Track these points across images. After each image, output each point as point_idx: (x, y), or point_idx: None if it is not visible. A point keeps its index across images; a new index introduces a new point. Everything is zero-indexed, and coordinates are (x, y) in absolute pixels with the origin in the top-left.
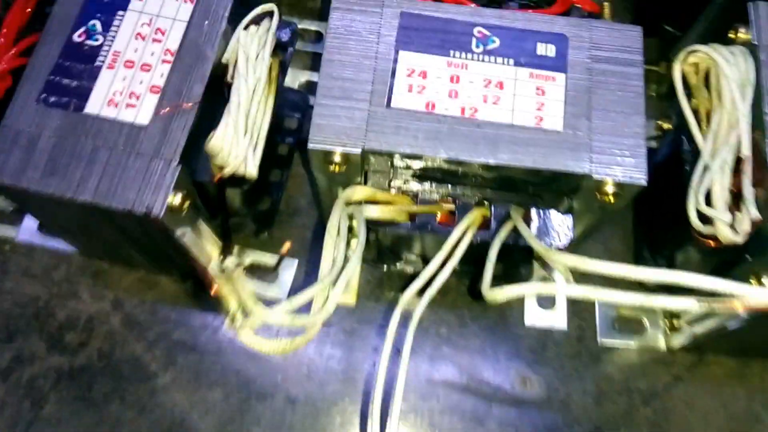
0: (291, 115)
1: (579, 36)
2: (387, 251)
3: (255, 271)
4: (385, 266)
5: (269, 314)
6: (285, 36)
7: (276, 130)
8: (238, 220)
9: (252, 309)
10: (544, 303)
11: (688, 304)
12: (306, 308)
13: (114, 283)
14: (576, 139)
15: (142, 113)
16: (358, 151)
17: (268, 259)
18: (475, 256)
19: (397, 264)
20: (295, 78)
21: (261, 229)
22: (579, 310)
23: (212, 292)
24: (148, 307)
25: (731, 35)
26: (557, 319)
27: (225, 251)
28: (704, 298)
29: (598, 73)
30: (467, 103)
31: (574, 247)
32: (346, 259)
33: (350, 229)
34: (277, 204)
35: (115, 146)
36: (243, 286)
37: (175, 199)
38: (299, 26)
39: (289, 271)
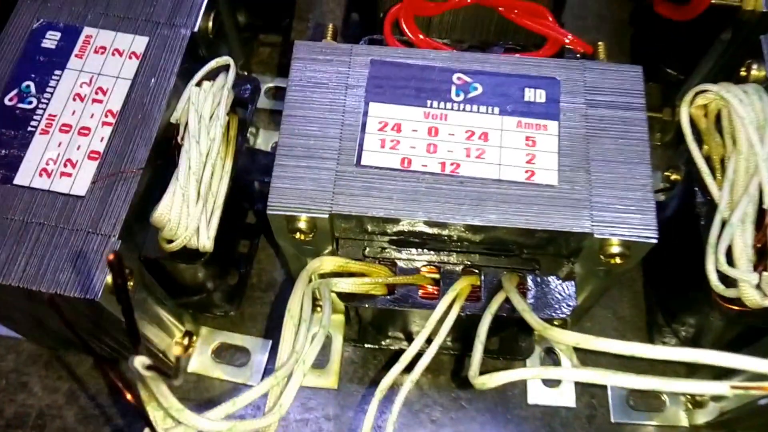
0: (261, 180)
1: (572, 79)
2: (369, 328)
3: (224, 354)
4: (368, 344)
5: (201, 422)
6: (245, 92)
7: (243, 197)
8: (204, 297)
9: (178, 417)
10: (549, 380)
11: (720, 390)
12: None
13: (68, 372)
14: (573, 194)
15: (79, 183)
16: (325, 216)
17: (239, 340)
18: (466, 328)
19: (382, 342)
20: (268, 139)
21: (230, 307)
22: (588, 384)
23: (128, 397)
24: (105, 398)
25: (743, 73)
26: (564, 397)
27: (133, 350)
28: (738, 383)
29: (595, 120)
30: (448, 158)
31: (578, 316)
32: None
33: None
34: (246, 278)
35: (47, 221)
36: (160, 391)
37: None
38: (270, 84)
39: (261, 353)
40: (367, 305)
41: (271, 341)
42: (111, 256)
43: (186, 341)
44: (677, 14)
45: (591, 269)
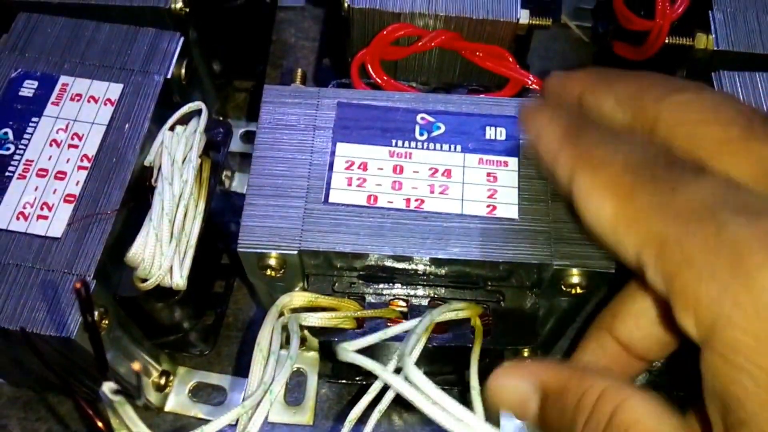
0: (236, 221)
1: None
2: (343, 364)
3: (201, 393)
4: (343, 380)
5: None
6: (218, 135)
7: (218, 238)
8: (180, 337)
9: None
10: None
11: None
12: None
13: (48, 413)
14: (534, 226)
15: (55, 225)
16: (294, 252)
17: (215, 379)
18: (436, 360)
19: (356, 377)
20: (244, 182)
21: (206, 346)
22: None
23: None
24: None
25: None
26: None
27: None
28: None
29: None
30: (412, 194)
31: (546, 347)
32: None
33: (303, 341)
34: (222, 317)
35: (24, 262)
36: (129, 416)
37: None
38: (246, 128)
39: (238, 391)
40: (336, 339)
41: (247, 380)
42: (78, 284)
43: (163, 381)
44: (635, 54)
45: (554, 300)
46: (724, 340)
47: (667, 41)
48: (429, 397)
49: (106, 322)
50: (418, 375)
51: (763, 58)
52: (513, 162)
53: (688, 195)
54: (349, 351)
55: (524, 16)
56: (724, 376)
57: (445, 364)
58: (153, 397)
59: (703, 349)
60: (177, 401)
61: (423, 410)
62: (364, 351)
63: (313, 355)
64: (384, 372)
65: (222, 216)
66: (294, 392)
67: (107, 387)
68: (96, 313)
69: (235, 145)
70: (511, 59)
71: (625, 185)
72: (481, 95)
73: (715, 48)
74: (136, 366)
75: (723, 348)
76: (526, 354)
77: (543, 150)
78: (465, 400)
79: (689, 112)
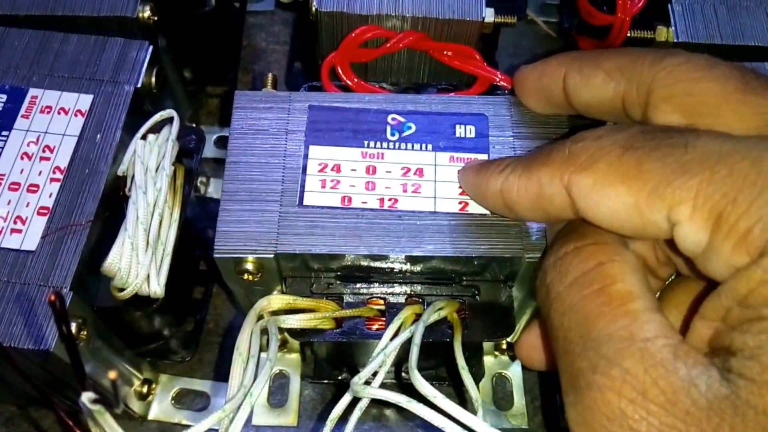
0: (212, 227)
1: (499, 114)
2: (324, 364)
3: (184, 400)
4: (325, 380)
5: None
6: (191, 142)
7: (196, 245)
8: (161, 344)
9: None
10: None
11: None
12: None
13: (31, 427)
14: (504, 221)
15: (29, 238)
16: (270, 256)
17: (198, 385)
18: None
19: (339, 377)
20: (219, 187)
21: (187, 353)
22: None
23: None
24: None
25: None
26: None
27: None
28: None
29: (522, 151)
30: (386, 194)
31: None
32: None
33: (284, 343)
34: (202, 323)
35: None
36: (108, 423)
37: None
38: (220, 134)
39: (221, 396)
40: (316, 340)
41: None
42: (52, 297)
43: (145, 389)
44: (599, 48)
45: (528, 292)
46: None
47: (629, 35)
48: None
49: (85, 333)
50: (429, 389)
51: (722, 48)
52: (483, 158)
53: (703, 146)
54: (366, 387)
55: (489, 15)
56: (758, 282)
57: (425, 359)
58: (136, 406)
59: (742, 271)
60: (160, 409)
61: (440, 426)
62: (343, 349)
63: (295, 356)
64: (410, 403)
65: (198, 222)
66: (277, 394)
67: (86, 397)
68: (74, 325)
69: (209, 151)
70: (478, 57)
71: (630, 164)
72: (450, 94)
73: (676, 40)
74: (112, 374)
75: None
76: (504, 346)
77: (521, 191)
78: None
79: (686, 71)
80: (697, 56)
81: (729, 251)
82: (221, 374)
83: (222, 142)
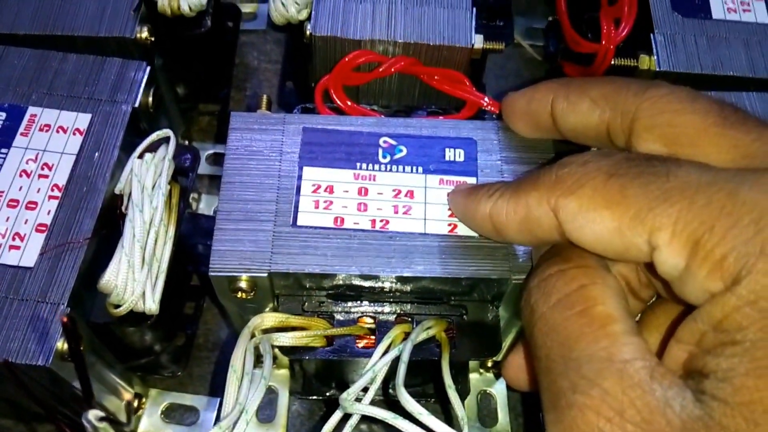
0: (204, 243)
1: (487, 139)
2: (313, 380)
3: (174, 414)
4: (314, 396)
5: None
6: (186, 161)
7: (188, 260)
8: (152, 359)
9: None
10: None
11: None
12: None
13: None
14: (492, 243)
15: (27, 254)
16: (264, 275)
17: (188, 400)
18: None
19: (327, 393)
20: (211, 203)
21: (177, 368)
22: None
23: None
24: None
25: None
26: None
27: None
28: None
29: (510, 174)
30: (377, 215)
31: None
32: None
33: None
34: (193, 338)
35: None
36: None
37: (65, 345)
38: (212, 150)
39: (210, 411)
40: (308, 357)
41: (219, 399)
42: (64, 319)
43: (136, 403)
44: (584, 75)
45: (514, 312)
46: (749, 287)
47: (613, 62)
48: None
49: (81, 348)
50: (415, 406)
51: (702, 77)
52: (472, 182)
53: (684, 176)
54: (355, 404)
55: (478, 41)
56: (731, 308)
57: (413, 376)
58: (126, 420)
59: (717, 297)
60: (150, 423)
61: None
62: (332, 366)
63: (284, 372)
64: (396, 420)
65: (190, 238)
66: (266, 409)
67: (92, 414)
68: None
69: (201, 167)
70: (467, 82)
71: (614, 190)
72: (439, 118)
73: (657, 69)
74: (127, 395)
75: (747, 293)
76: (489, 364)
77: (509, 214)
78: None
79: (669, 103)
80: (680, 89)
81: (704, 276)
82: (211, 389)
83: (213, 159)
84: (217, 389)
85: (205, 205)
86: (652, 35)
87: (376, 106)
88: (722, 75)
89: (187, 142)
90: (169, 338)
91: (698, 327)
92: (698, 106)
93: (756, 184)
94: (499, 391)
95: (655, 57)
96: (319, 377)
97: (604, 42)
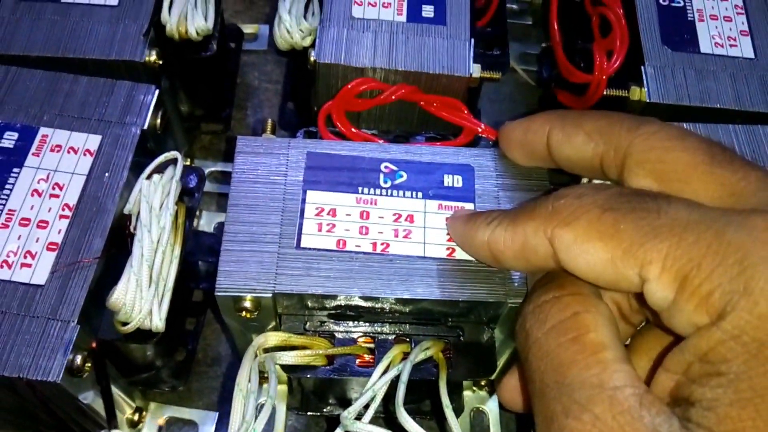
0: (205, 260)
1: (485, 165)
2: (311, 396)
3: (173, 428)
4: (311, 412)
5: None
6: (192, 182)
7: (189, 277)
8: (153, 374)
9: None
10: None
11: None
12: None
13: None
14: (489, 267)
15: (38, 272)
16: (268, 295)
17: (187, 414)
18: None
19: (324, 409)
20: (210, 220)
21: (177, 382)
22: None
23: None
24: None
25: None
26: None
27: (108, 424)
28: None
29: (506, 200)
30: (378, 239)
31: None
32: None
33: None
34: (193, 354)
35: (8, 310)
36: None
37: (75, 361)
38: (212, 168)
39: (209, 425)
40: (309, 375)
41: (217, 413)
42: (94, 344)
43: (136, 417)
44: (577, 104)
45: (509, 334)
46: (733, 322)
47: (605, 93)
48: None
49: (89, 365)
50: (414, 427)
51: (690, 109)
52: (470, 207)
53: (674, 213)
54: (356, 422)
55: (476, 71)
56: (717, 342)
57: (409, 394)
58: None
59: (702, 330)
60: None
61: None
62: (330, 383)
63: (282, 388)
64: None
65: (191, 255)
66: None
67: None
68: (80, 357)
69: None
70: (465, 110)
71: (608, 224)
72: (438, 144)
73: (648, 100)
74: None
75: (732, 328)
76: (483, 382)
77: (507, 243)
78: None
79: (660, 140)
80: (670, 127)
81: (691, 310)
82: (209, 403)
83: (214, 177)
84: (216, 404)
85: (205, 222)
86: (642, 67)
87: (376, 131)
88: (710, 107)
89: (189, 160)
90: (170, 354)
91: (685, 358)
92: (688, 144)
93: (741, 226)
94: (492, 408)
95: (646, 88)
96: (317, 393)
97: (596, 73)
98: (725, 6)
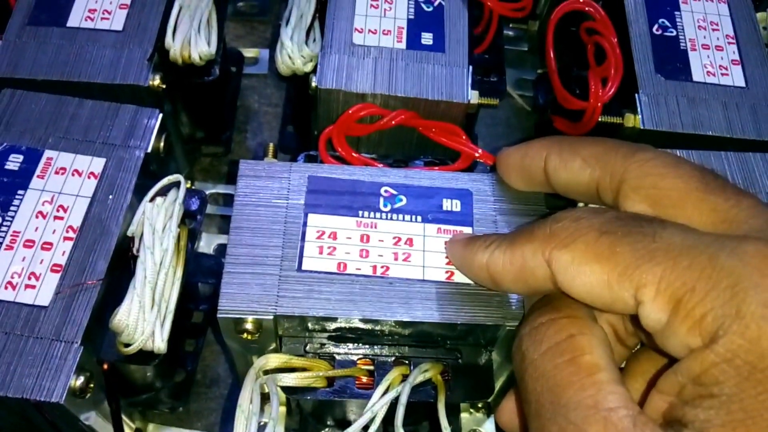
0: (205, 282)
1: (483, 190)
2: (310, 418)
3: None
4: None
5: None
6: (194, 204)
7: (189, 299)
8: (153, 395)
9: None
10: None
11: None
12: None
13: None
14: (487, 291)
15: (42, 294)
16: (270, 317)
17: None
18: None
19: (322, 430)
20: (210, 242)
21: (177, 403)
22: None
23: None
24: None
25: None
26: None
27: None
28: None
29: (503, 225)
30: (378, 262)
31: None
32: None
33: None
34: (193, 375)
35: (12, 331)
36: None
37: (78, 382)
38: (213, 190)
39: None
40: (309, 397)
41: None
42: (105, 366)
43: None
44: (572, 130)
45: (507, 357)
46: (726, 345)
47: (600, 119)
48: None
49: (92, 385)
50: None
51: (683, 136)
52: (468, 231)
53: (669, 237)
54: None
55: (474, 97)
56: (709, 364)
57: (407, 416)
58: None
59: (696, 352)
60: None
61: None
62: (329, 405)
63: (281, 409)
64: None
65: (191, 277)
66: None
67: None
68: (83, 378)
69: None
70: (463, 135)
71: (604, 246)
72: (436, 168)
73: (642, 127)
74: (128, 430)
75: (725, 351)
76: (480, 404)
77: (505, 265)
78: None
79: (655, 167)
80: (665, 154)
81: (685, 333)
82: (207, 424)
83: (214, 198)
84: (214, 425)
85: (205, 243)
86: (636, 95)
87: (375, 155)
88: (702, 134)
89: (189, 182)
90: (170, 375)
91: (678, 379)
92: (682, 172)
93: (733, 252)
94: (488, 429)
95: (640, 115)
96: (316, 415)
97: (592, 100)
98: (717, 36)
